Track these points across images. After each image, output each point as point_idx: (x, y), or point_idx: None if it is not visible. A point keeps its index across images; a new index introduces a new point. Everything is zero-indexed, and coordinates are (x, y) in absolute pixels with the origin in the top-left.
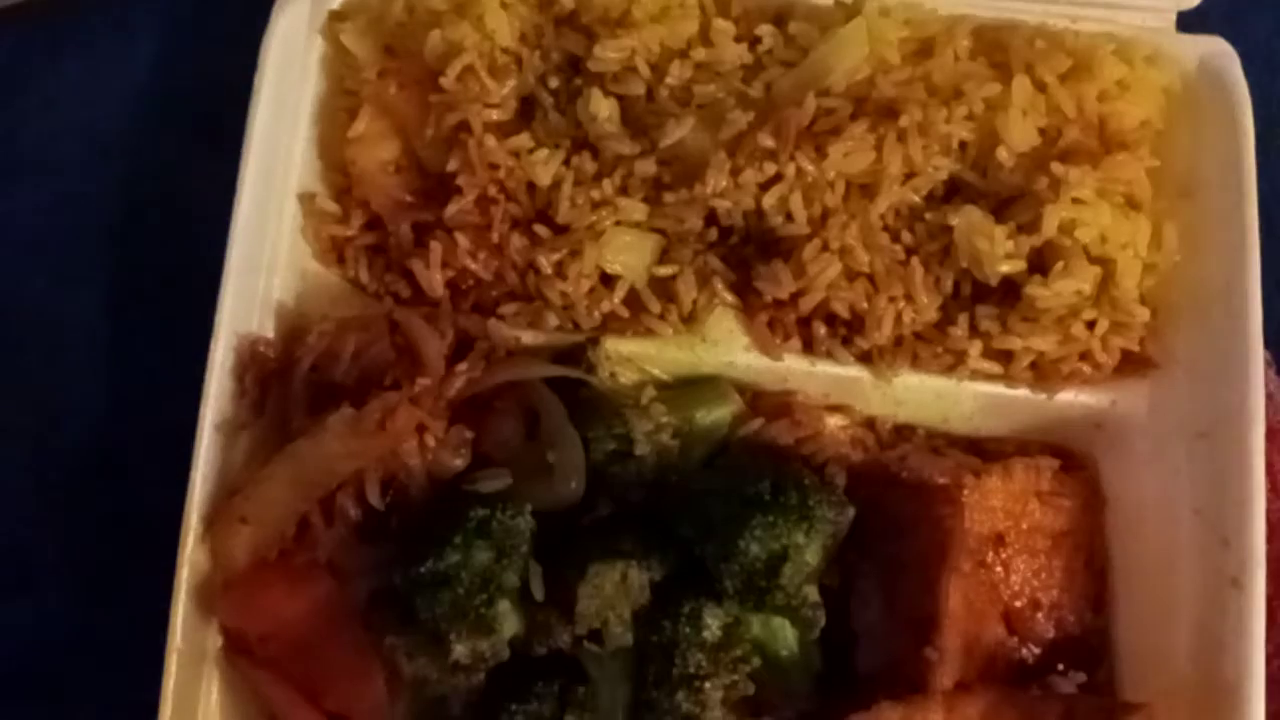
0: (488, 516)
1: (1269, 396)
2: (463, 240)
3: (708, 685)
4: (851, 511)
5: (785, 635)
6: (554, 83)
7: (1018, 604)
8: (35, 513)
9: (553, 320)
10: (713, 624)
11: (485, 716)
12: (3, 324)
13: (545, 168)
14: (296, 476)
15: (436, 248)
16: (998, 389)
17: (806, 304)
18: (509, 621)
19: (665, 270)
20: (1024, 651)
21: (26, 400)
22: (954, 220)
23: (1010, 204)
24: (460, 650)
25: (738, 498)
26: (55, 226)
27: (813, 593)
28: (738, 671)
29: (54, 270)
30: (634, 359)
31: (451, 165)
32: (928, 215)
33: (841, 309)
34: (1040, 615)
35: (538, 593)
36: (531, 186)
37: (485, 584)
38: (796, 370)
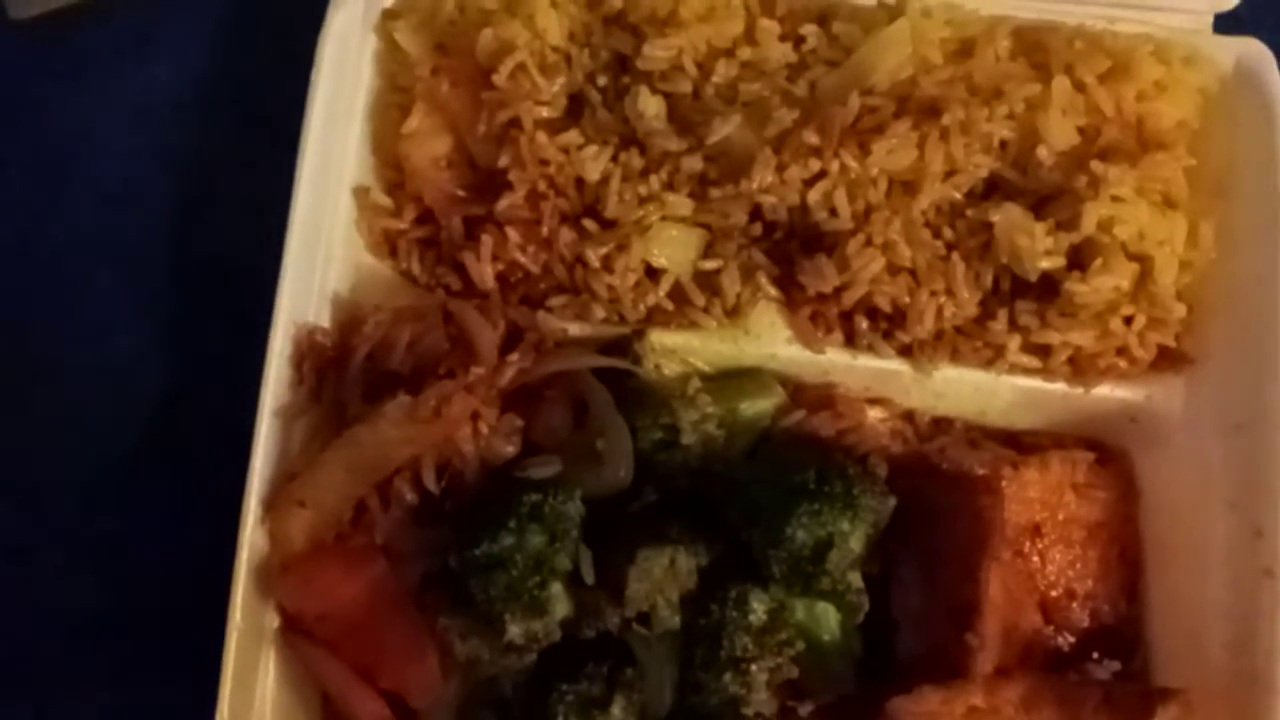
0: (540, 501)
1: None
2: (513, 234)
3: (754, 668)
4: (893, 501)
5: (828, 620)
6: (603, 81)
7: (1054, 593)
8: (97, 497)
9: (599, 313)
10: (758, 608)
11: (535, 697)
12: (64, 316)
13: (594, 164)
14: (354, 461)
15: (487, 241)
16: (1035, 383)
17: (849, 298)
18: (560, 604)
19: (710, 264)
20: (1059, 640)
21: (88, 389)
22: (994, 217)
23: (1050, 201)
24: (514, 631)
25: (784, 486)
26: (116, 220)
27: (857, 579)
28: (782, 655)
29: (114, 263)
30: (678, 351)
31: (502, 161)
32: (969, 212)
33: (883, 303)
34: (1075, 604)
35: (588, 576)
36: (580, 182)
37: (539, 566)
38: (838, 363)
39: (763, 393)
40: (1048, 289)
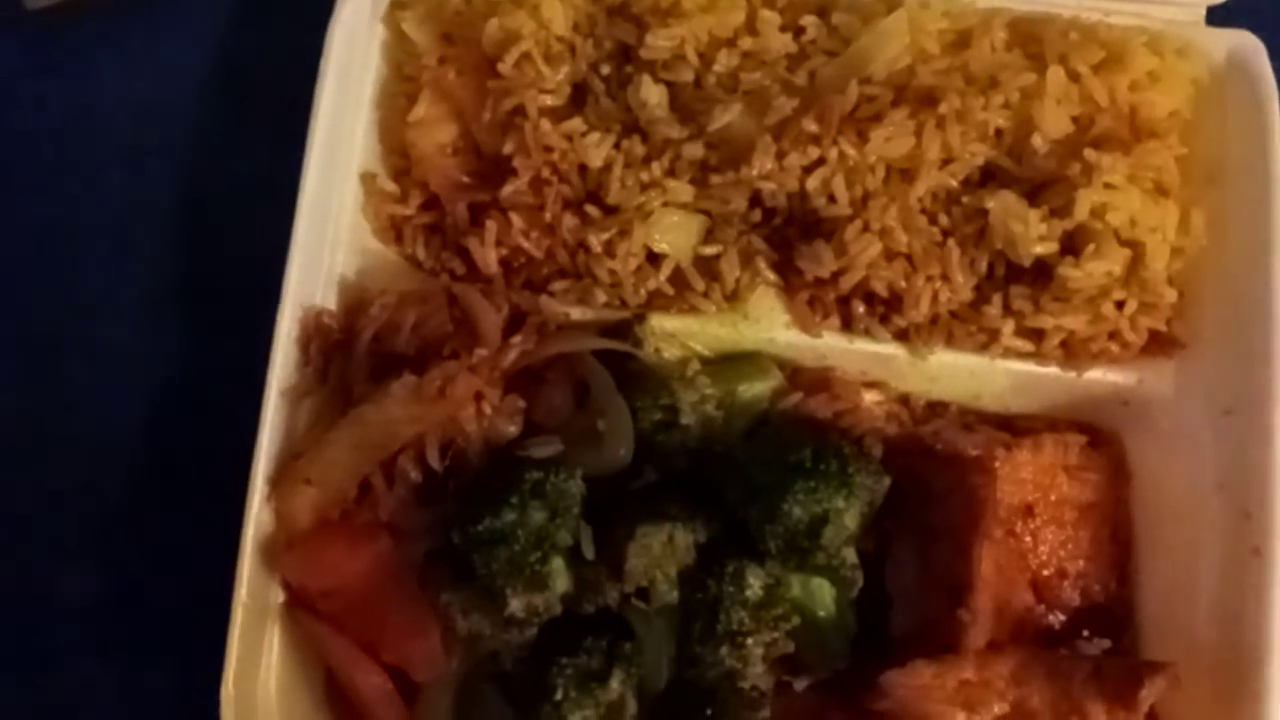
0: (542, 479)
1: None
2: (517, 220)
3: (750, 641)
4: (888, 480)
5: (823, 596)
6: (606, 70)
7: (1045, 572)
8: (106, 475)
9: (601, 297)
10: (755, 583)
11: (535, 671)
12: (73, 300)
13: (597, 150)
14: (359, 440)
15: (491, 227)
16: (1029, 367)
17: (846, 283)
18: (561, 579)
19: (710, 250)
20: (1051, 618)
21: (97, 369)
22: (989, 204)
23: (1044, 189)
24: (515, 604)
25: (780, 464)
26: (126, 204)
27: (851, 555)
28: (778, 629)
29: (124, 248)
30: (678, 335)
31: (507, 148)
32: (964, 199)
33: (880, 288)
34: (1067, 583)
35: (588, 552)
36: (583, 168)
37: (540, 542)
38: (835, 347)
39: (761, 375)
40: (1041, 274)
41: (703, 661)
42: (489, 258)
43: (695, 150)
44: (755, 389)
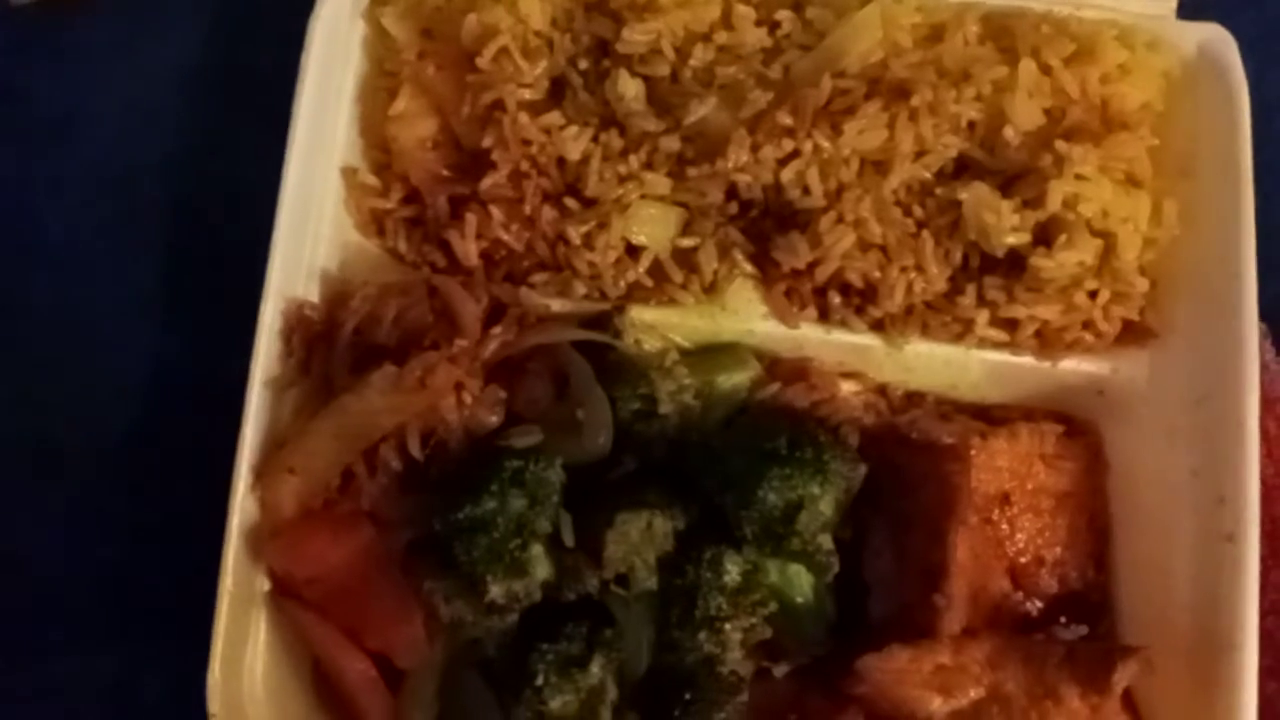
0: (521, 467)
1: (1263, 366)
2: (496, 213)
3: (728, 627)
4: (863, 468)
5: (801, 583)
6: (583, 64)
7: (1022, 560)
8: (95, 466)
9: (580, 289)
10: (732, 569)
11: (517, 657)
12: (58, 296)
13: (575, 144)
14: (341, 430)
15: (471, 220)
16: (1004, 356)
17: (822, 274)
18: (541, 565)
19: (688, 242)
20: (1028, 605)
21: (87, 361)
22: (963, 195)
23: (1016, 180)
24: (496, 591)
25: (756, 452)
26: (109, 199)
27: (827, 541)
28: (756, 615)
29: (109, 243)
30: (657, 326)
31: (486, 141)
32: (938, 190)
33: (855, 279)
34: (1044, 571)
35: (568, 539)
36: (562, 161)
37: (519, 529)
38: (812, 338)
39: (739, 366)
40: (1014, 265)
41: (682, 647)
42: (469, 250)
43: (672, 143)
44: (733, 379)
